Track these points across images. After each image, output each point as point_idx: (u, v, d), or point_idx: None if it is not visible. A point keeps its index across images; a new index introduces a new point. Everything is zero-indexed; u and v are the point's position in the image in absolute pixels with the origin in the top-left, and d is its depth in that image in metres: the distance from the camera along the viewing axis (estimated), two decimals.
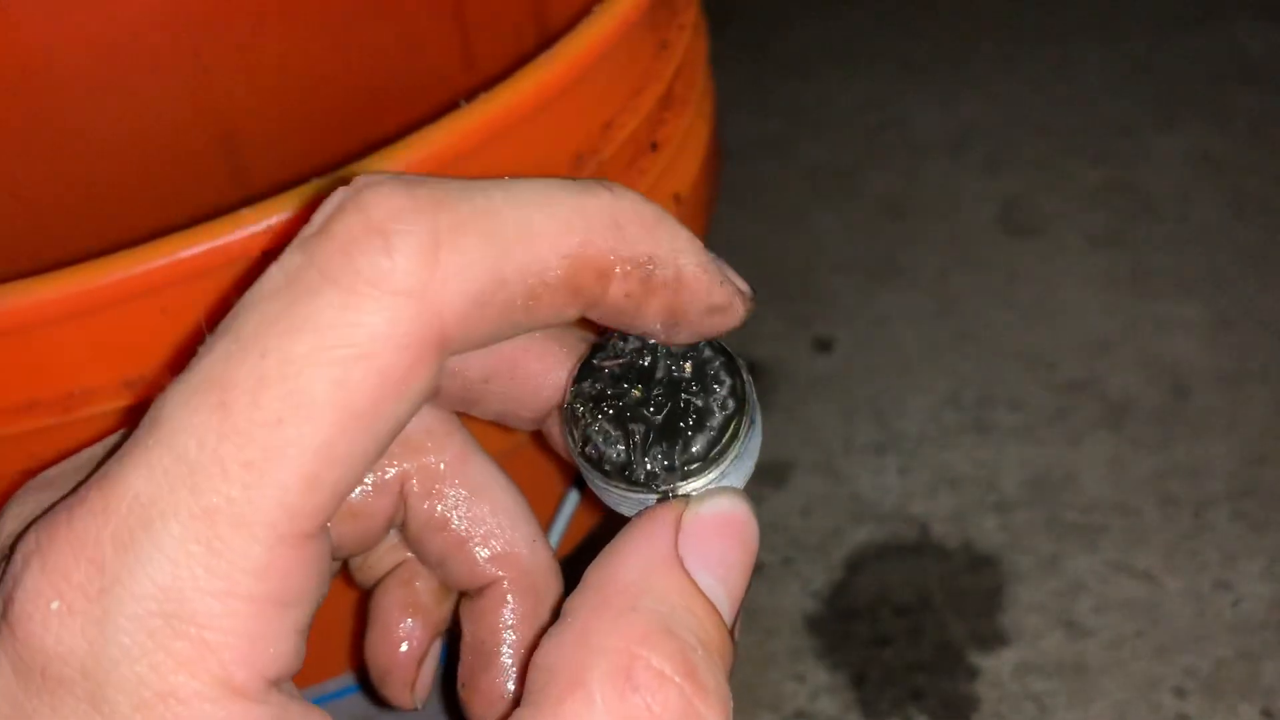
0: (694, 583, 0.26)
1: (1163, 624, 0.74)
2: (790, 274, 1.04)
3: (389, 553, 0.34)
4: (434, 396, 0.25)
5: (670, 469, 0.28)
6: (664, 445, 0.28)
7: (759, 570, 0.81)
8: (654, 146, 0.40)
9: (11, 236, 0.61)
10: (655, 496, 0.28)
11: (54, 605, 0.21)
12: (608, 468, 0.28)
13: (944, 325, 0.97)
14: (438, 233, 0.22)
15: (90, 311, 0.28)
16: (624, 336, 0.29)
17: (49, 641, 0.21)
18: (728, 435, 0.28)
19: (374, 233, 0.22)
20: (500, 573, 0.32)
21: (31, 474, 0.32)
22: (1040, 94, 1.23)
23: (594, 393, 0.28)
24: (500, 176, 0.34)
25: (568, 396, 0.29)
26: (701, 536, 0.27)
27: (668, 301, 0.27)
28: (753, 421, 0.29)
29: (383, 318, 0.22)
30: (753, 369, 0.95)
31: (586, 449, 0.28)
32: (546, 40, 0.36)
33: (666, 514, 0.27)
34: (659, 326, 0.27)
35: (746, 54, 1.34)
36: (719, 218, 1.06)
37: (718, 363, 0.29)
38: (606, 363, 0.28)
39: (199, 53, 0.63)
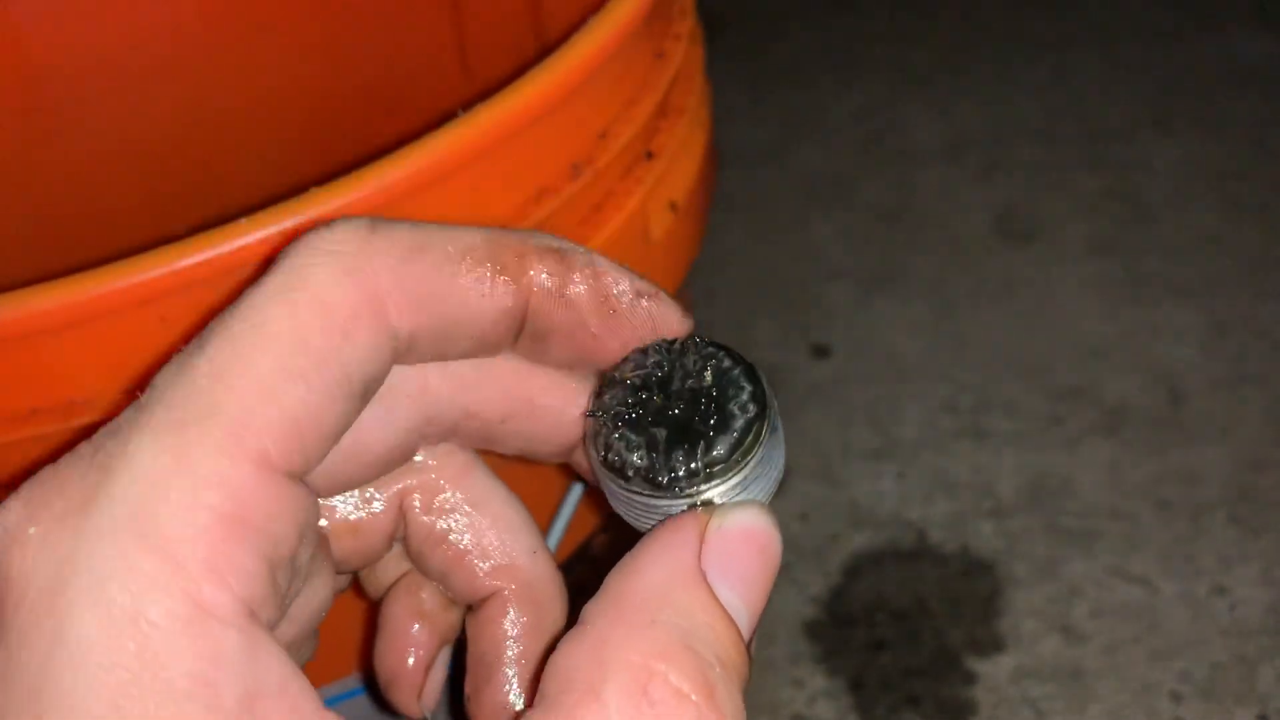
0: (716, 598, 0.26)
1: (1159, 629, 0.74)
2: (787, 281, 1.04)
3: (396, 562, 0.34)
4: (392, 362, 0.27)
5: (693, 472, 0.28)
6: (686, 448, 0.27)
7: None
8: (649, 155, 0.40)
9: (13, 244, 0.62)
10: (679, 504, 0.28)
11: (31, 531, 0.22)
12: (630, 473, 0.28)
13: (941, 332, 0.98)
14: (373, 222, 0.26)
15: (90, 320, 0.28)
16: (642, 351, 0.29)
17: (25, 568, 0.21)
18: (750, 437, 0.28)
19: (320, 225, 0.26)
20: (500, 584, 0.32)
21: None
22: (1036, 101, 1.24)
23: (614, 404, 0.28)
24: (497, 185, 0.34)
25: (589, 409, 0.29)
26: (725, 550, 0.27)
27: (591, 285, 0.28)
28: (775, 428, 0.29)
29: (325, 269, 0.25)
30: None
31: (609, 456, 0.28)
32: (544, 50, 0.36)
33: (690, 524, 0.27)
34: (594, 317, 0.28)
35: (742, 62, 1.35)
36: (715, 226, 1.06)
37: (737, 370, 0.29)
38: (625, 375, 0.28)
39: (198, 64, 0.63)
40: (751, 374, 0.29)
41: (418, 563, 0.34)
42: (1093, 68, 1.28)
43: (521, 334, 0.29)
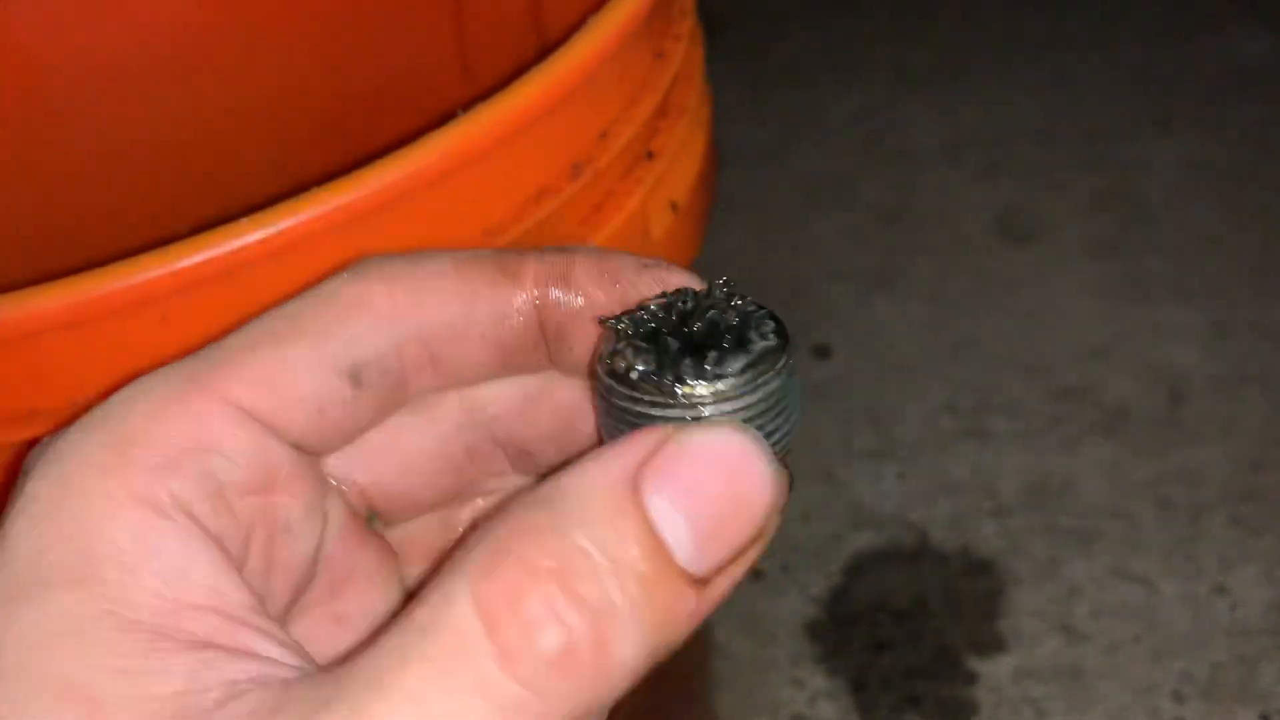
0: (638, 502, 0.22)
1: (1160, 629, 0.74)
2: (787, 282, 1.04)
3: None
4: (392, 353, 0.27)
5: (700, 378, 0.25)
6: (696, 358, 0.25)
7: (758, 577, 0.82)
8: (650, 155, 0.40)
9: (13, 245, 0.62)
10: (679, 417, 0.25)
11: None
12: (634, 376, 0.25)
13: (941, 332, 0.98)
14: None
15: (91, 321, 0.28)
16: (663, 294, 0.27)
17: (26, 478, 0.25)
18: (766, 362, 0.26)
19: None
20: None
21: None
22: (1037, 101, 1.24)
23: (628, 323, 0.26)
24: (498, 185, 0.34)
25: (602, 318, 0.27)
26: (673, 456, 0.23)
27: (595, 264, 0.27)
28: (794, 372, 0.27)
29: (339, 277, 0.27)
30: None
31: (614, 362, 0.26)
32: (545, 50, 0.36)
33: (651, 435, 0.23)
34: (600, 290, 0.27)
35: (743, 62, 1.35)
36: (715, 226, 1.06)
37: (762, 312, 0.27)
38: (647, 300, 0.27)
39: (200, 64, 0.63)
40: (775, 318, 0.27)
41: None
42: (1093, 68, 1.28)
43: (547, 342, 0.28)
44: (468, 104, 0.33)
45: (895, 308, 1.01)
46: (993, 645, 0.75)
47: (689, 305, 0.27)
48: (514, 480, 0.32)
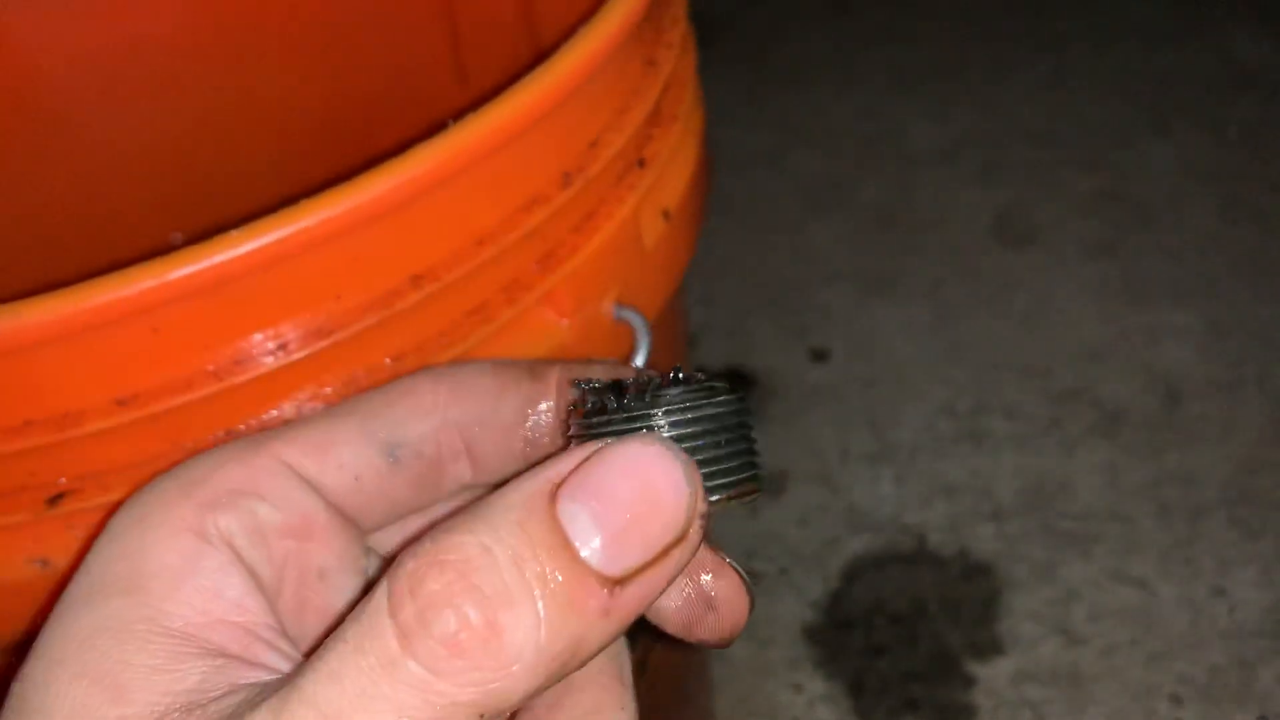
0: (549, 507, 0.23)
1: (1158, 631, 0.74)
2: (785, 285, 1.04)
3: None
4: (430, 437, 0.30)
5: (656, 392, 0.27)
6: (646, 392, 0.27)
7: (755, 581, 0.82)
8: (641, 163, 0.40)
9: (13, 253, 0.62)
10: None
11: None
12: (589, 404, 0.27)
13: (938, 335, 0.98)
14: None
15: (82, 332, 0.28)
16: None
17: None
18: (704, 393, 0.27)
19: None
20: None
21: (28, 490, 0.32)
22: (1034, 103, 1.24)
23: (599, 382, 0.29)
24: (488, 194, 0.34)
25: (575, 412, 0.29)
26: (588, 469, 0.24)
27: (609, 373, 0.31)
28: (742, 414, 0.28)
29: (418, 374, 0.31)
30: (748, 380, 0.96)
31: (581, 401, 0.28)
32: (539, 55, 0.36)
33: (577, 452, 0.24)
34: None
35: (741, 67, 1.35)
36: (713, 230, 1.06)
37: (721, 382, 0.29)
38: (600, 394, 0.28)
39: (197, 73, 0.63)
40: (731, 386, 0.28)
41: None
42: (1090, 70, 1.28)
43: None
44: (463, 108, 0.33)
45: (893, 311, 1.01)
46: (990, 648, 0.75)
47: (657, 378, 0.28)
48: None
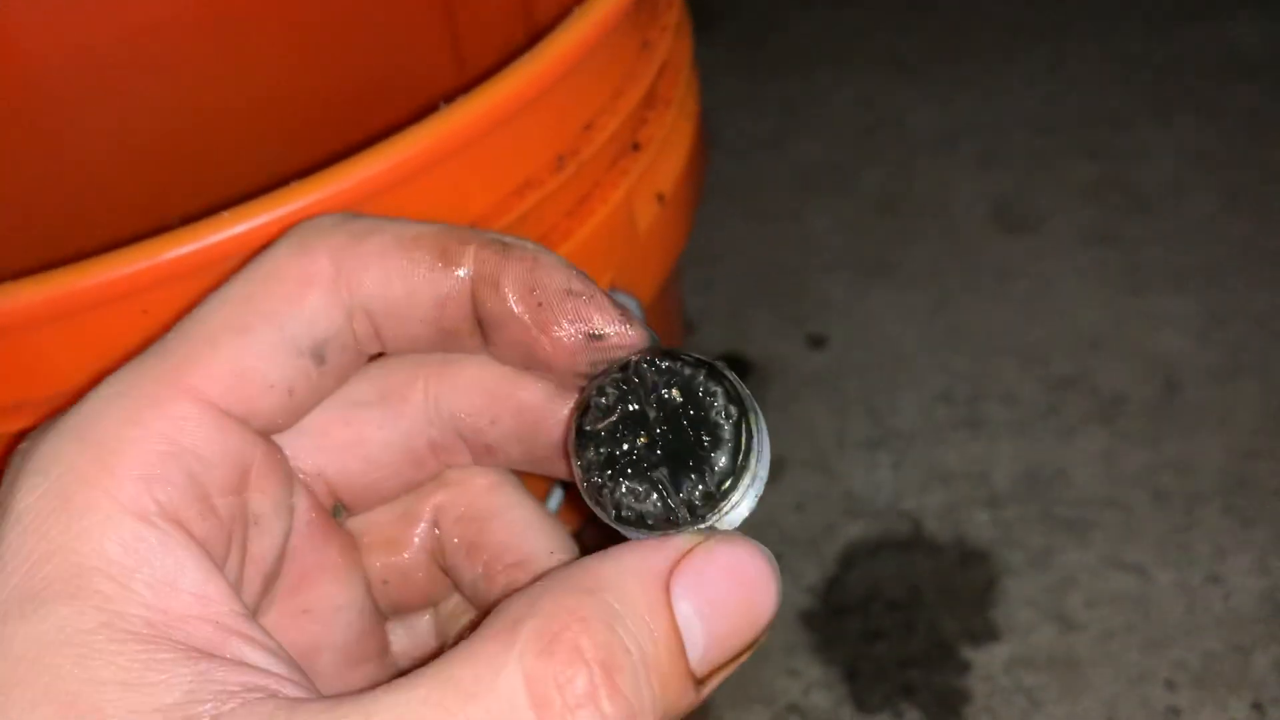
0: (668, 604, 0.25)
1: (1153, 618, 0.75)
2: (783, 271, 1.04)
3: (464, 609, 0.35)
4: (345, 329, 0.28)
5: (709, 495, 0.27)
6: (691, 476, 0.27)
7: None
8: (636, 147, 0.40)
9: (10, 239, 0.62)
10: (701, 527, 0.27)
11: (23, 444, 0.26)
12: (651, 522, 0.27)
13: (937, 322, 0.98)
14: (344, 215, 0.28)
15: (74, 314, 0.28)
16: (601, 391, 0.28)
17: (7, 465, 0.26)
18: (744, 437, 0.28)
19: (304, 219, 0.28)
20: (517, 579, 0.32)
21: None
22: (1034, 90, 1.24)
23: (602, 458, 0.28)
24: (481, 177, 0.34)
25: (579, 473, 0.28)
26: (702, 569, 0.25)
27: (526, 274, 0.28)
28: (756, 412, 0.29)
29: (285, 248, 0.27)
30: (746, 367, 0.96)
31: (623, 514, 0.28)
32: (535, 37, 0.36)
33: (681, 540, 0.26)
34: (521, 305, 0.27)
35: (741, 52, 1.34)
36: (712, 215, 1.06)
37: (700, 375, 0.28)
38: (600, 425, 0.28)
39: (192, 59, 0.63)
40: (715, 373, 0.28)
41: (453, 578, 0.35)
42: (1090, 56, 1.27)
43: (481, 329, 0.29)
44: (457, 92, 0.33)
45: (891, 297, 1.01)
46: (986, 634, 0.75)
47: (632, 404, 0.28)
48: (475, 471, 0.33)
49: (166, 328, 0.30)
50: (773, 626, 0.27)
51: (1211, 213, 1.05)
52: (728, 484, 0.27)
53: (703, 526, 0.28)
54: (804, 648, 0.75)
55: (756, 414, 0.29)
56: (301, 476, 0.30)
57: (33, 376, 0.30)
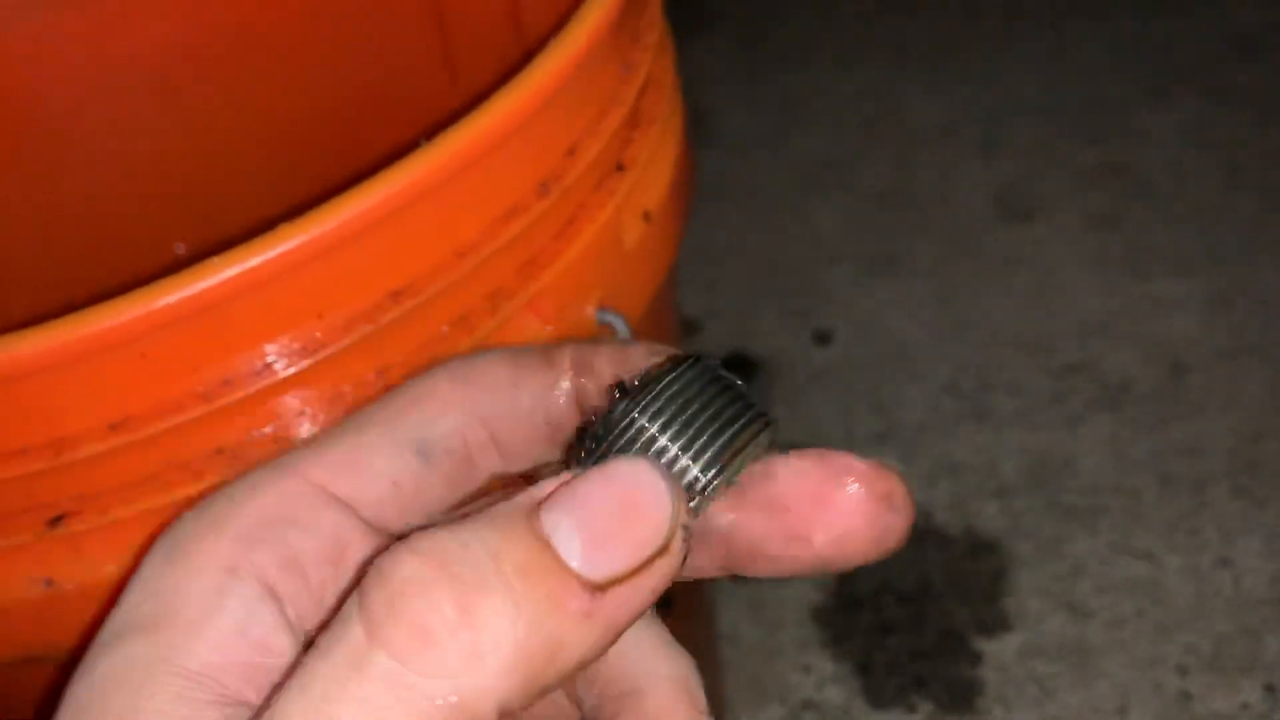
0: (534, 520, 0.23)
1: (1164, 603, 0.75)
2: (787, 267, 1.05)
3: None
4: (457, 435, 0.30)
5: (635, 394, 0.27)
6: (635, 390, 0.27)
7: None
8: (620, 167, 0.40)
9: (17, 263, 0.63)
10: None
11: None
12: (586, 417, 0.29)
13: (942, 313, 0.98)
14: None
15: (74, 361, 0.29)
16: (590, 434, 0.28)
17: None
18: (677, 362, 0.28)
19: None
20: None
21: (29, 513, 0.33)
22: (1034, 76, 1.24)
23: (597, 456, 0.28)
24: (465, 209, 0.35)
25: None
26: (573, 485, 0.24)
27: (616, 353, 0.30)
28: (704, 360, 0.29)
29: (436, 373, 0.31)
30: (751, 364, 0.96)
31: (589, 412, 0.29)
32: (528, 53, 0.37)
33: (562, 475, 0.25)
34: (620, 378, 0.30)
35: (740, 47, 1.35)
36: (714, 213, 1.07)
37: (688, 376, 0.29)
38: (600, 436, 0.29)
39: (190, 83, 0.64)
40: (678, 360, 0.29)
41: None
42: (1090, 40, 1.27)
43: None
44: (454, 107, 0.34)
45: (895, 290, 1.01)
46: (997, 625, 0.76)
47: (630, 433, 0.28)
48: None
49: (164, 369, 0.31)
50: (686, 529, 0.25)
51: (1215, 194, 1.05)
52: (641, 399, 0.27)
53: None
54: (816, 643, 0.76)
55: (719, 368, 0.29)
56: None
57: (35, 423, 0.31)
